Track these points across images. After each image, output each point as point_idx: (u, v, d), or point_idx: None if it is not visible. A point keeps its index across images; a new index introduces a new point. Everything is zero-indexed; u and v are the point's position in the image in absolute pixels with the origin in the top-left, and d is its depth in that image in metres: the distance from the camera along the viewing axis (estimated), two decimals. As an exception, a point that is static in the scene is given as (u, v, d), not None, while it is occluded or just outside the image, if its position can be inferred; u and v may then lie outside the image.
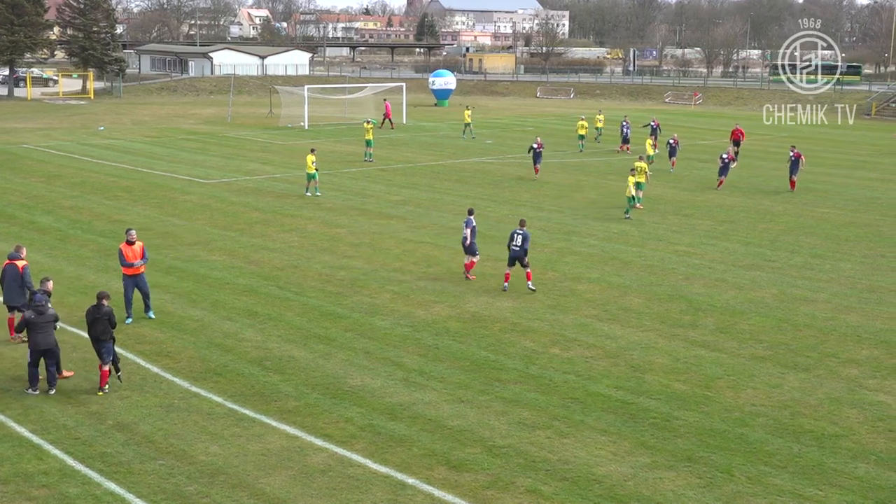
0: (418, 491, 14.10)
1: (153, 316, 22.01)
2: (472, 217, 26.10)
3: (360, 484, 14.26)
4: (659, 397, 17.84)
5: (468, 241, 25.88)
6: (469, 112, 64.57)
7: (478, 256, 26.31)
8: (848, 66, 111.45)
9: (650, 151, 46.74)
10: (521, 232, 24.72)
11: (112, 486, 14.08)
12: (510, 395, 17.89)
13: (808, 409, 17.34)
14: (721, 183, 42.43)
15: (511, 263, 24.98)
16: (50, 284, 18.87)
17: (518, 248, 24.59)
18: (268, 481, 14.30)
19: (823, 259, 29.33)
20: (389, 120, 69.31)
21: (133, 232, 21.98)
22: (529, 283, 24.89)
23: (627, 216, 35.00)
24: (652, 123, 54.34)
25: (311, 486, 14.20)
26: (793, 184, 42.17)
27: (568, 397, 17.79)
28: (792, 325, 22.44)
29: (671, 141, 48.00)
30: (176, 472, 14.56)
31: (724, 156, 42.82)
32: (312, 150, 39.28)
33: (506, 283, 25.03)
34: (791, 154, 42.25)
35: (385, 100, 72.78)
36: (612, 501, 13.89)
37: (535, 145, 44.54)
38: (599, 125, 61.17)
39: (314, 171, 38.34)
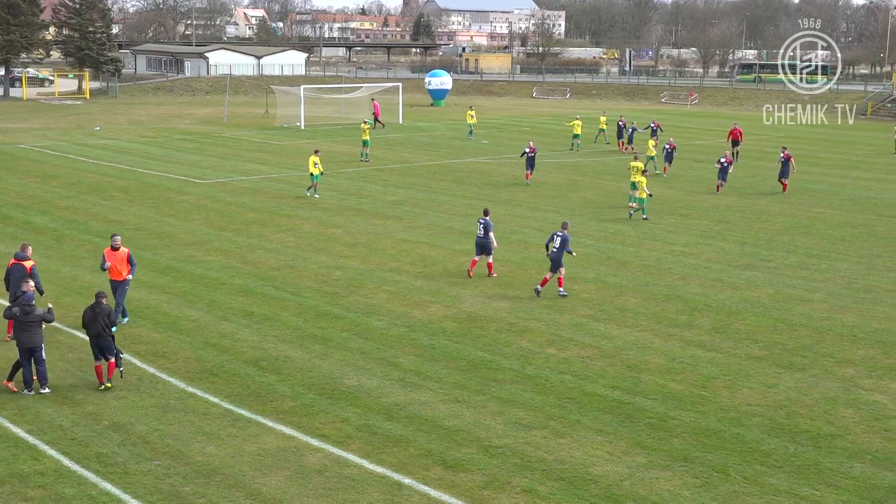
0: (414, 491, 14.10)
1: (114, 330, 21.30)
2: (488, 217, 26.25)
3: (356, 484, 14.26)
4: (655, 397, 17.86)
5: (494, 245, 26.14)
6: (473, 113, 64.15)
7: (490, 256, 26.45)
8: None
9: (652, 152, 46.70)
10: (560, 234, 24.30)
11: (108, 486, 14.07)
12: (506, 395, 17.89)
13: (803, 409, 17.37)
14: (719, 187, 41.46)
15: (552, 269, 24.48)
16: (30, 284, 18.60)
17: (556, 251, 24.18)
18: (264, 482, 14.30)
19: (819, 259, 29.37)
20: (377, 120, 69.17)
21: (118, 238, 21.44)
22: (561, 288, 24.39)
23: (645, 217, 34.89)
24: (652, 125, 54.36)
25: (308, 486, 14.20)
26: (784, 186, 41.83)
27: (564, 397, 17.80)
28: (788, 325, 22.47)
29: (667, 146, 46.64)
30: (172, 472, 14.56)
31: (723, 160, 41.65)
32: (316, 152, 39.08)
33: (539, 287, 24.57)
34: (781, 155, 42.02)
35: (373, 99, 72.64)
36: (609, 501, 13.90)
37: (527, 150, 42.99)
38: (603, 126, 61.15)
39: (315, 173, 38.09)
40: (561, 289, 24.49)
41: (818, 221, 35.64)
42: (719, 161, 41.78)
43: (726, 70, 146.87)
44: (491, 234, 26.06)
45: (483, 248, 26.21)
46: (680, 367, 19.50)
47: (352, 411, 16.99)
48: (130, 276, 21.39)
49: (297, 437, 15.90)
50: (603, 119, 61.86)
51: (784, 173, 41.76)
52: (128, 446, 15.43)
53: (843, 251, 30.56)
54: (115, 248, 21.14)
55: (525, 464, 15.01)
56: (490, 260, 26.44)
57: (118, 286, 21.21)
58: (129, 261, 21.34)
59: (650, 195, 35.66)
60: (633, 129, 56.53)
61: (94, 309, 17.63)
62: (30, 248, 21.00)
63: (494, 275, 26.38)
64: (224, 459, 14.99)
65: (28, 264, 20.20)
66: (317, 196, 38.36)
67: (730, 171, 41.99)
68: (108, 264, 21.09)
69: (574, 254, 24.99)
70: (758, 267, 28.19)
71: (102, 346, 17.68)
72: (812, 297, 24.90)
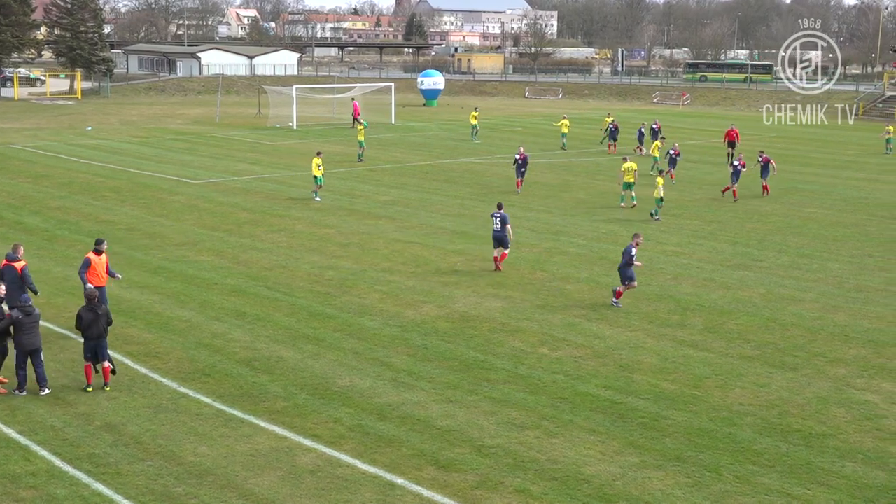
0: (407, 491, 14.10)
1: None
2: (502, 211, 26.77)
3: (348, 484, 14.25)
4: (647, 397, 17.88)
5: (511, 237, 26.85)
6: (476, 114, 63.65)
7: (507, 250, 27.06)
8: (756, 65, 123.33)
9: (656, 154, 46.63)
10: (627, 245, 23.82)
11: (100, 486, 14.04)
12: (499, 395, 17.90)
13: (795, 409, 17.40)
14: (735, 192, 39.81)
15: (623, 281, 23.92)
16: (2, 288, 18.45)
17: (623, 264, 23.75)
18: (256, 482, 14.28)
19: (811, 259, 29.43)
20: (356, 119, 68.99)
21: (105, 243, 21.23)
22: (616, 300, 23.81)
23: (657, 217, 34.80)
24: (654, 126, 54.18)
25: (300, 486, 14.19)
26: (765, 189, 40.84)
27: (557, 397, 17.82)
28: (780, 325, 22.51)
29: (671, 152, 44.52)
30: (164, 472, 14.53)
31: (736, 162, 40.26)
32: (318, 154, 38.94)
33: (616, 300, 23.90)
34: (759, 159, 41.06)
35: (353, 99, 72.58)
36: (601, 501, 13.91)
37: (517, 157, 40.74)
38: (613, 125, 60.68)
39: (317, 175, 37.93)
40: (616, 300, 23.83)
41: (810, 221, 35.71)
42: (732, 164, 40.43)
43: (679, 70, 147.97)
44: (508, 227, 26.70)
45: (500, 241, 26.79)
46: (672, 367, 19.53)
47: (344, 411, 16.98)
48: (119, 276, 21.26)
49: (290, 437, 15.88)
50: (609, 119, 61.17)
51: (763, 177, 40.83)
52: (120, 447, 15.40)
53: (834, 251, 30.63)
54: (98, 253, 20.84)
55: (518, 464, 15.01)
56: (506, 252, 27.03)
57: (100, 292, 20.36)
58: (107, 268, 21.01)
59: (661, 198, 35.39)
60: (641, 131, 56.07)
61: (94, 311, 17.52)
62: (21, 248, 20.76)
63: (502, 268, 26.91)
64: (216, 460, 14.97)
65: (19, 265, 20.04)
66: (318, 199, 38.01)
67: (742, 172, 40.25)
68: (90, 286, 20.51)
69: (640, 264, 24.29)
70: (749, 267, 28.24)
71: (99, 348, 17.62)
72: (804, 297, 24.95)
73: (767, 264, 28.60)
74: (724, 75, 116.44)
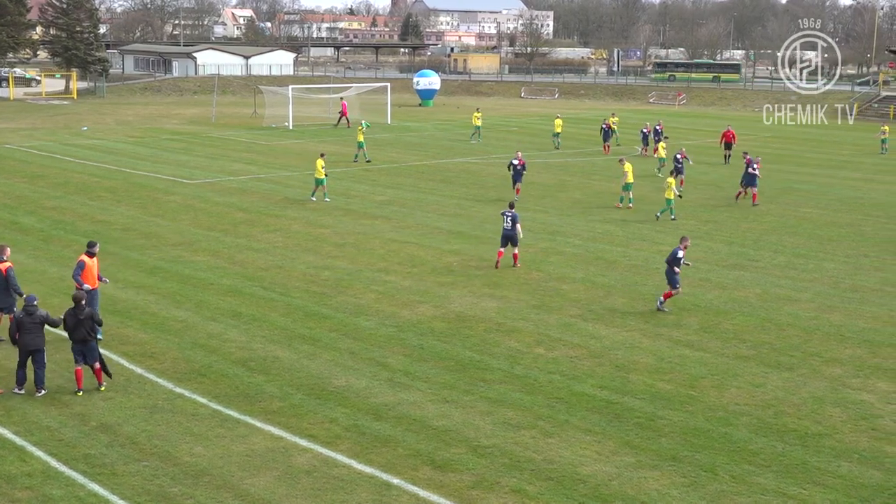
0: (403, 491, 14.09)
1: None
2: (514, 210, 27.25)
3: (344, 484, 14.24)
4: (643, 397, 17.89)
5: (520, 235, 27.18)
6: (479, 115, 63.15)
7: (517, 248, 27.46)
8: (724, 65, 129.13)
9: (662, 154, 46.59)
10: (674, 248, 23.54)
11: (96, 487, 14.03)
12: (495, 395, 17.90)
13: (791, 409, 17.42)
14: (739, 195, 39.49)
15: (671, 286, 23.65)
16: None
17: (668, 269, 23.43)
18: (252, 482, 14.27)
19: (807, 259, 29.47)
20: (346, 118, 69.00)
21: (97, 246, 21.08)
22: (662, 298, 23.55)
23: (658, 216, 34.89)
24: (657, 127, 54.13)
25: (296, 486, 14.18)
26: (750, 195, 39.47)
27: (552, 397, 17.82)
28: (775, 325, 22.53)
29: (678, 155, 42.22)
30: (160, 473, 14.52)
31: (756, 166, 39.04)
32: (322, 155, 38.75)
33: (663, 299, 23.71)
34: (745, 161, 40.61)
35: (342, 98, 72.57)
36: (597, 501, 13.91)
37: (515, 161, 39.30)
38: (613, 127, 60.30)
39: (323, 177, 37.88)
40: (662, 299, 23.59)
41: (805, 221, 35.75)
42: (752, 167, 39.14)
43: (647, 68, 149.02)
44: (518, 226, 26.98)
45: (510, 239, 27.17)
46: (668, 367, 19.54)
47: (340, 411, 16.98)
48: (107, 281, 21.33)
49: (286, 437, 15.87)
50: (614, 120, 60.73)
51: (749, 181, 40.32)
52: (115, 447, 15.38)
53: (830, 251, 30.67)
54: (92, 255, 20.68)
55: (514, 464, 15.02)
56: (516, 251, 27.39)
57: (93, 295, 20.28)
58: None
59: (679, 196, 35.35)
60: (644, 132, 55.58)
61: (76, 315, 17.46)
62: (7, 249, 20.45)
63: (519, 264, 27.30)
64: (212, 460, 14.96)
65: (4, 266, 19.86)
66: (327, 199, 37.86)
67: (759, 177, 39.16)
68: (87, 286, 20.16)
69: (680, 268, 23.74)
70: (745, 267, 28.27)
71: (86, 350, 17.57)
72: (799, 297, 24.98)
73: (763, 264, 28.63)
74: (691, 74, 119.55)
